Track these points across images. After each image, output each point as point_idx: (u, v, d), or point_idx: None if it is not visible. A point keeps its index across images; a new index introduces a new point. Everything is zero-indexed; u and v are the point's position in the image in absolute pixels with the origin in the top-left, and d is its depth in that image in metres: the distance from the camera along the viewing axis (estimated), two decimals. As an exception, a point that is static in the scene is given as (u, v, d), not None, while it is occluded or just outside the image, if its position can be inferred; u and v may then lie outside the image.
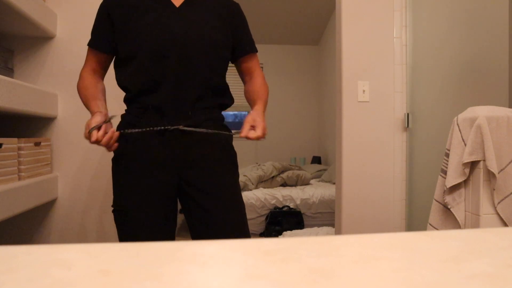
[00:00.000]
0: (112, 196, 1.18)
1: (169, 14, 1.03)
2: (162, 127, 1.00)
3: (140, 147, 1.05)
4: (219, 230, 1.04)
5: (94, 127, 0.96)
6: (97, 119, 1.01)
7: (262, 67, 5.00)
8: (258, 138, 0.96)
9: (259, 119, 1.00)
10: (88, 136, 0.96)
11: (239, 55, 1.16)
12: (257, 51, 1.21)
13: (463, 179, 1.02)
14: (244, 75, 1.22)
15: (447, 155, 1.09)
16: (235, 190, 1.12)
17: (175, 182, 1.05)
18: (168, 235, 1.07)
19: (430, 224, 1.12)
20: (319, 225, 3.02)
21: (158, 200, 1.04)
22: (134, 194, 1.05)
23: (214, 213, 1.04)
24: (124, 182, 1.08)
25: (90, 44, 1.16)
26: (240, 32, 1.14)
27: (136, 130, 1.02)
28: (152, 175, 1.03)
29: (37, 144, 1.51)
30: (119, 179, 1.10)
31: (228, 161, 1.12)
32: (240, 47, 1.15)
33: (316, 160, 4.73)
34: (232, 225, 1.07)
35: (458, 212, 1.04)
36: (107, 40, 1.12)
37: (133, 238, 1.04)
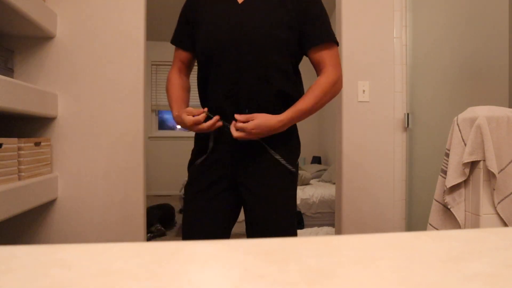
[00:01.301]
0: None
1: (234, 10, 1.03)
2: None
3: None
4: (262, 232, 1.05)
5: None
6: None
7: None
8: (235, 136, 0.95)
9: (256, 126, 0.95)
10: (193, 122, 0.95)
11: (304, 47, 1.06)
12: (330, 41, 1.03)
13: (463, 179, 1.02)
14: (316, 71, 1.10)
15: (447, 155, 1.09)
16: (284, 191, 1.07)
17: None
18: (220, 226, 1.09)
19: (430, 224, 1.12)
20: (319, 225, 3.02)
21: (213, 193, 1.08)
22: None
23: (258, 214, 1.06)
24: None
25: (171, 42, 1.16)
26: (307, 18, 1.02)
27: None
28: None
29: (37, 144, 1.51)
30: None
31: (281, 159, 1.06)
32: (305, 38, 1.04)
33: (316, 160, 4.72)
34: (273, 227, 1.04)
35: (458, 212, 1.04)
36: (187, 38, 1.13)
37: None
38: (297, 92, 1.10)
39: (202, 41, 1.04)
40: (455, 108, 1.50)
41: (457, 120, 1.07)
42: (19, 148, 1.39)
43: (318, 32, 1.04)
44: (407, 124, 1.89)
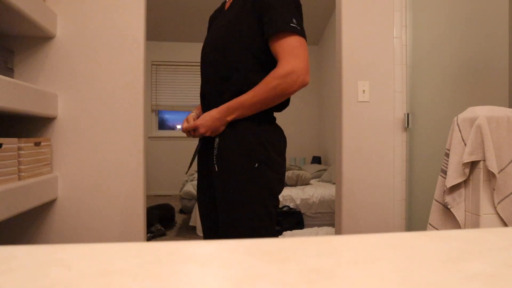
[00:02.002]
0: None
1: (219, 19, 1.13)
2: None
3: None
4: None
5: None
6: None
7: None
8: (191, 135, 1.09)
9: (200, 118, 1.06)
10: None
11: (267, 40, 1.01)
12: (283, 30, 0.95)
13: (463, 179, 1.02)
14: None
15: (447, 155, 1.09)
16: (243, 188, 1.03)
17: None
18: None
19: (430, 224, 1.12)
20: (319, 225, 3.02)
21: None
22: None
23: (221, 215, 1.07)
24: None
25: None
26: (262, 9, 0.99)
27: None
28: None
29: (37, 144, 1.51)
30: None
31: (243, 154, 1.03)
32: (264, 30, 1.00)
33: (316, 160, 4.72)
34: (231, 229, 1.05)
35: (458, 212, 1.04)
36: None
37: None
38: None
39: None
40: (455, 108, 1.50)
41: (457, 120, 1.07)
42: (19, 148, 1.39)
43: (270, 23, 0.97)
44: (407, 124, 1.89)
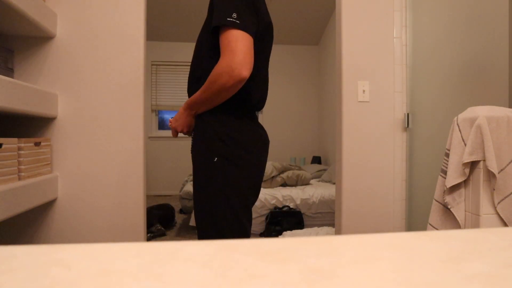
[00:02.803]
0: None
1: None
2: None
3: None
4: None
5: None
6: None
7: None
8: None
9: (173, 118, 1.14)
10: None
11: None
12: (219, 25, 0.96)
13: (463, 179, 1.02)
14: None
15: (447, 155, 1.09)
16: (201, 184, 1.05)
17: None
18: None
19: (430, 224, 1.12)
20: (319, 225, 3.02)
21: None
22: None
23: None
24: None
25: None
26: (213, 10, 1.02)
27: None
28: None
29: (37, 144, 1.51)
30: None
31: (203, 149, 1.06)
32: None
33: (316, 160, 4.72)
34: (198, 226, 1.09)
35: (458, 212, 1.04)
36: None
37: None
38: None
39: None
40: (455, 108, 1.50)
41: (457, 120, 1.07)
42: (19, 148, 1.39)
43: (214, 17, 0.98)
44: (407, 124, 1.89)
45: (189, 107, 1.09)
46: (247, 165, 1.06)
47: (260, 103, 1.15)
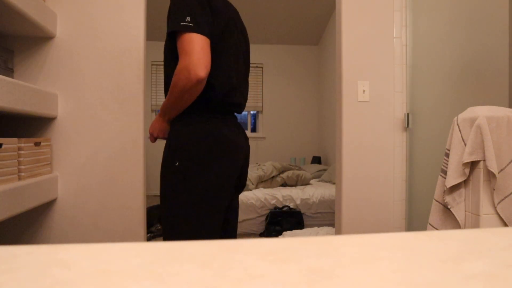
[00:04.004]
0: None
1: None
2: None
3: None
4: None
5: None
6: None
7: (262, 67, 4.99)
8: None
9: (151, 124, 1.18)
10: None
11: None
12: (172, 30, 0.99)
13: (463, 179, 1.03)
14: None
15: (447, 155, 1.09)
16: (164, 184, 1.09)
17: None
18: None
19: (430, 224, 1.12)
20: (319, 225, 3.02)
21: None
22: None
23: None
24: None
25: None
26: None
27: None
28: None
29: (37, 144, 1.51)
30: None
31: (166, 153, 1.09)
32: None
33: (316, 160, 4.73)
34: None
35: (458, 212, 1.04)
36: None
37: None
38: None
39: None
40: (455, 108, 1.50)
41: (457, 120, 1.07)
42: (19, 148, 1.39)
43: (168, 27, 1.03)
44: (407, 124, 1.89)
45: (161, 113, 1.14)
46: (200, 172, 1.05)
47: (229, 103, 1.12)
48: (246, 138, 1.23)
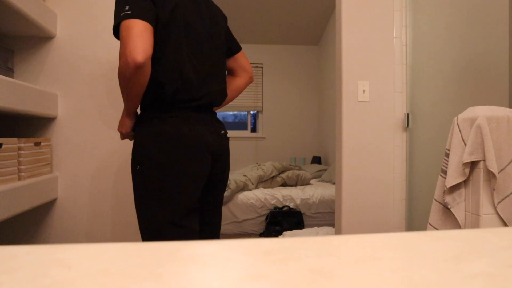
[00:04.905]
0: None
1: None
2: None
3: None
4: None
5: None
6: None
7: (262, 67, 5.00)
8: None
9: None
10: None
11: None
12: (118, 22, 0.98)
13: (463, 179, 1.02)
14: None
15: (447, 155, 1.09)
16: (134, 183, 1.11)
17: None
18: None
19: (430, 224, 1.12)
20: (319, 225, 3.02)
21: None
22: None
23: None
24: None
25: None
26: None
27: None
28: None
29: (37, 144, 1.51)
30: None
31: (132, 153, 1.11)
32: None
33: (316, 160, 4.72)
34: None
35: (458, 212, 1.04)
36: None
37: None
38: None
39: None
40: (455, 108, 1.50)
41: (457, 120, 1.07)
42: (19, 148, 1.39)
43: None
44: (407, 124, 1.89)
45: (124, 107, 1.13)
46: (159, 173, 1.03)
47: (186, 99, 1.07)
48: (220, 135, 1.17)
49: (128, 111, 1.11)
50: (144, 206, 1.07)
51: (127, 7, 0.96)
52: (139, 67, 0.94)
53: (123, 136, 1.19)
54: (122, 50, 0.94)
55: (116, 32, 1.01)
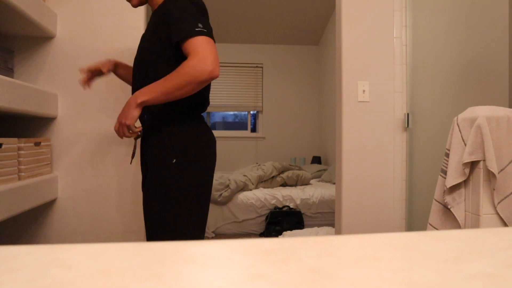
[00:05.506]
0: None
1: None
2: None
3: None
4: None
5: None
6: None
7: (262, 67, 5.00)
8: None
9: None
10: None
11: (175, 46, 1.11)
12: (188, 37, 1.04)
13: (463, 179, 1.03)
14: None
15: (447, 155, 1.09)
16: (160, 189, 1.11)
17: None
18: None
19: (430, 224, 1.12)
20: (319, 225, 3.02)
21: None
22: None
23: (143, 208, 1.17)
24: None
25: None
26: (170, 23, 1.09)
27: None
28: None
29: (37, 144, 1.51)
30: None
31: (158, 149, 1.13)
32: (171, 39, 1.10)
33: (316, 160, 4.73)
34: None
35: (458, 212, 1.04)
36: None
37: None
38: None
39: None
40: (455, 108, 1.50)
41: (457, 120, 1.07)
42: (19, 148, 1.39)
43: (177, 31, 1.07)
44: (407, 124, 1.89)
45: (140, 93, 1.06)
46: (198, 168, 1.13)
47: (206, 103, 1.25)
48: None
49: (146, 102, 1.06)
50: (175, 198, 1.10)
51: (200, 25, 1.05)
52: (211, 79, 1.03)
53: (125, 130, 1.10)
54: (205, 59, 1.01)
55: (182, 37, 1.05)
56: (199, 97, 1.16)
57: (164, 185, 1.10)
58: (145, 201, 1.14)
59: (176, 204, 1.09)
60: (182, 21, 1.05)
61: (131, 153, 1.72)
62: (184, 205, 1.10)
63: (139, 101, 1.05)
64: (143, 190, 1.19)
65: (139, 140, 1.27)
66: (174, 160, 1.10)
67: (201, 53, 1.01)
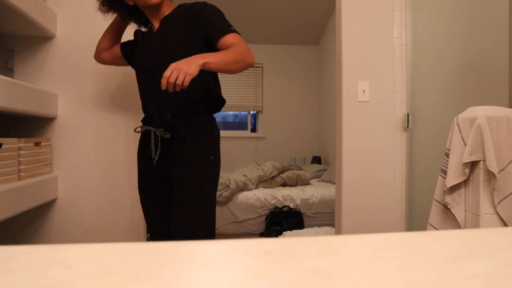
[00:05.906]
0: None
1: (149, 40, 1.31)
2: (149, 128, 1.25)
3: (140, 145, 1.37)
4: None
5: None
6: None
7: (262, 67, 5.00)
8: (173, 86, 1.01)
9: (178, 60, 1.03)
10: None
11: (213, 45, 1.20)
12: (228, 32, 1.18)
13: (463, 179, 1.03)
14: None
15: (447, 155, 1.09)
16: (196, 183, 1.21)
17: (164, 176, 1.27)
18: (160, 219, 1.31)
19: (430, 224, 1.12)
20: (319, 225, 3.02)
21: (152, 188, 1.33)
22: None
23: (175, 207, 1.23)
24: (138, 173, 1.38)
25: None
26: (207, 25, 1.21)
27: (138, 129, 1.31)
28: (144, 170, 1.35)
29: (37, 144, 1.51)
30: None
31: (196, 143, 1.23)
32: (211, 38, 1.20)
33: (316, 160, 4.73)
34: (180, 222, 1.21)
35: (458, 212, 1.04)
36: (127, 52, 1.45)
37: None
38: (200, 94, 1.28)
39: (136, 65, 1.39)
40: (455, 108, 1.50)
41: (457, 120, 1.07)
42: (19, 148, 1.39)
43: (216, 29, 1.20)
44: (407, 124, 1.89)
45: (203, 56, 1.04)
46: (219, 160, 1.29)
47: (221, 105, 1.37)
48: None
49: (208, 64, 1.04)
50: (213, 193, 1.25)
51: (232, 26, 1.21)
52: (252, 66, 1.20)
53: (182, 77, 0.99)
54: (250, 52, 1.18)
55: (225, 32, 1.18)
56: (217, 96, 1.30)
57: (207, 179, 1.22)
58: (182, 194, 1.20)
59: (214, 196, 1.25)
60: (219, 21, 1.20)
61: (131, 153, 1.72)
62: (215, 197, 1.26)
63: (203, 60, 1.03)
64: (155, 187, 1.28)
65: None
66: (213, 157, 1.24)
67: (243, 44, 1.18)
